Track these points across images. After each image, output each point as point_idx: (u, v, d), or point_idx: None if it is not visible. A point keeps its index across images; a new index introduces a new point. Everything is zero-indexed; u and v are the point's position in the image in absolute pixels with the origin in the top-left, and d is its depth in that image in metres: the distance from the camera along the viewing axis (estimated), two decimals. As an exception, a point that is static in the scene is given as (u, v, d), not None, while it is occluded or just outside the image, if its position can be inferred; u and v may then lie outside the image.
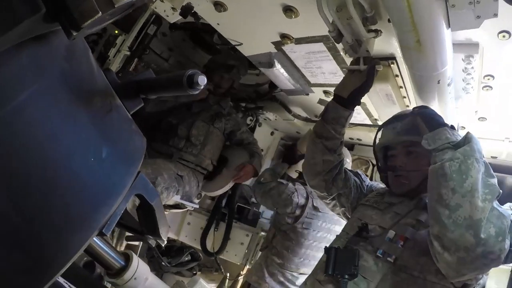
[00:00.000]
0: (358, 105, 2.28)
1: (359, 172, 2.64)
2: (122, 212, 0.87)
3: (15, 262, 0.68)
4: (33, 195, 0.67)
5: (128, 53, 3.70)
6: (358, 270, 1.87)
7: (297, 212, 3.69)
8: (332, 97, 2.35)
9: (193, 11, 2.80)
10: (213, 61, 4.26)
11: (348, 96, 2.22)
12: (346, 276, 1.86)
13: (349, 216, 2.45)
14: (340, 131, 2.33)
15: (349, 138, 4.48)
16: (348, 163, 3.99)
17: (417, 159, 2.11)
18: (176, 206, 4.10)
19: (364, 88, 2.19)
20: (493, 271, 1.87)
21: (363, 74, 2.18)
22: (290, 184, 3.80)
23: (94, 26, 0.70)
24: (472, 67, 2.15)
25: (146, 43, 3.78)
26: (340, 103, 2.26)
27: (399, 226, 1.95)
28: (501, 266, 1.71)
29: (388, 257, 1.86)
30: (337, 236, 2.32)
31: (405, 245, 1.86)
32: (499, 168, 3.77)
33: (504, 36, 1.89)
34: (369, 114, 3.46)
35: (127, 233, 1.36)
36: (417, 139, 2.02)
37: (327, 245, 2.10)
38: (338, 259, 1.93)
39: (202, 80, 0.88)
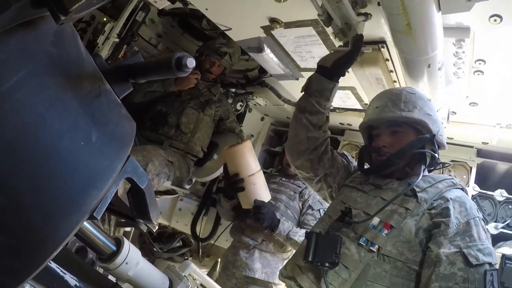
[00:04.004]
0: (343, 76, 2.15)
1: (345, 153, 2.55)
2: (113, 195, 0.87)
3: (3, 245, 0.68)
4: (21, 178, 0.67)
5: (117, 40, 3.68)
6: (340, 258, 1.80)
7: None
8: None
9: (181, -3, 2.79)
10: (206, 46, 4.23)
11: (331, 66, 2.08)
12: (327, 264, 1.79)
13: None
14: (324, 105, 2.18)
15: (340, 123, 4.48)
16: None
17: (403, 139, 2.04)
18: (167, 192, 4.11)
19: (348, 58, 2.05)
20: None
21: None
22: None
23: (82, 11, 0.69)
24: (463, 52, 2.14)
25: (135, 30, 3.76)
26: (323, 75, 2.12)
27: (385, 213, 1.84)
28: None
29: (371, 246, 1.77)
30: (319, 219, 2.25)
31: (390, 234, 1.77)
32: (490, 155, 3.81)
33: (495, 20, 1.87)
34: (359, 99, 3.46)
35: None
36: (401, 118, 2.00)
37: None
38: (319, 245, 1.84)
39: (191, 62, 0.89)
